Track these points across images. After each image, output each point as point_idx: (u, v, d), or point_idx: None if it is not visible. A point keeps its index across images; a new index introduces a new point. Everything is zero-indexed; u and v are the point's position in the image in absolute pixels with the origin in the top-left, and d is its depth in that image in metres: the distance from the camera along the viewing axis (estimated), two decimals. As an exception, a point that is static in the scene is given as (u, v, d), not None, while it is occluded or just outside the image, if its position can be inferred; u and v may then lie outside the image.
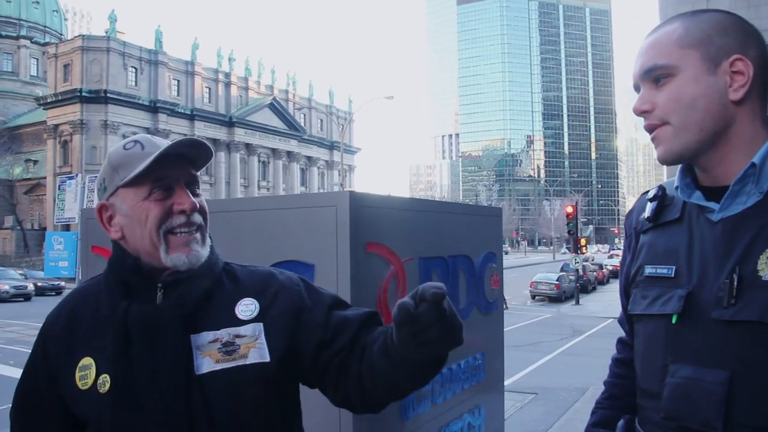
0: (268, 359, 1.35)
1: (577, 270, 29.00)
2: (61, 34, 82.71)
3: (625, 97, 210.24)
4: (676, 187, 1.41)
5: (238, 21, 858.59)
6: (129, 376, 1.30)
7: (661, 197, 1.46)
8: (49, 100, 59.59)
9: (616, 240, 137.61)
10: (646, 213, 1.48)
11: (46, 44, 73.11)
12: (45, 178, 60.02)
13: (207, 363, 1.33)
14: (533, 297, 30.28)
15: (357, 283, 2.13)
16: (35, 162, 65.87)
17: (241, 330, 1.37)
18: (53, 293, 30.43)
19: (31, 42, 79.28)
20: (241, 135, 68.28)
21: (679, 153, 1.35)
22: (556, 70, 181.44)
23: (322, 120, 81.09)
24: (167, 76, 62.84)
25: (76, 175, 16.63)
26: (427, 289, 1.13)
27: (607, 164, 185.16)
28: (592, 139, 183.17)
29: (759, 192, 1.27)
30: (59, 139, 59.15)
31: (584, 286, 32.97)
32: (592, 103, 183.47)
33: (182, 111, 63.08)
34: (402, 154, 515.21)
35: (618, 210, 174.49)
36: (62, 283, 30.05)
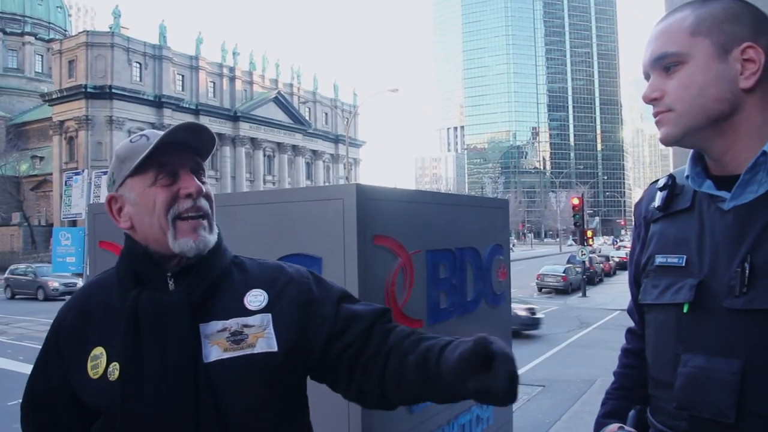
0: (275, 349, 1.36)
1: (584, 262, 28.95)
2: (65, 30, 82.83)
3: (630, 88, 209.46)
4: (687, 176, 1.41)
5: (242, 15, 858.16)
6: (138, 363, 1.32)
7: (671, 186, 1.45)
8: (54, 97, 59.70)
9: (623, 232, 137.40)
10: (656, 202, 1.47)
11: (50, 40, 73.22)
12: (51, 174, 60.18)
13: (215, 351, 1.34)
14: (540, 289, 30.24)
15: (365, 276, 2.13)
16: (41, 158, 66.05)
17: (250, 320, 1.38)
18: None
19: (36, 38, 79.40)
20: (246, 129, 68.29)
21: (681, 136, 1.35)
22: (561, 61, 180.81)
23: (327, 113, 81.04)
24: (172, 71, 62.86)
25: (82, 171, 16.63)
26: (506, 364, 1.16)
27: (613, 155, 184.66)
28: (598, 131, 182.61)
29: None
30: (65, 135, 59.27)
31: (591, 278, 32.92)
32: (597, 94, 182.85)
33: (187, 106, 63.11)
34: (407, 146, 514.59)
35: (624, 201, 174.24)
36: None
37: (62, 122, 59.01)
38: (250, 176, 69.04)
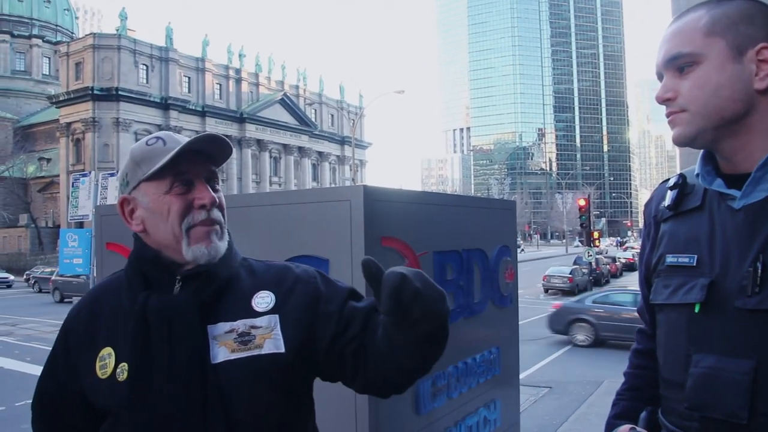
0: (283, 350, 1.37)
1: (590, 263, 28.86)
2: (72, 33, 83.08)
3: (636, 89, 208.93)
4: (697, 175, 1.40)
5: (248, 17, 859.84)
6: (146, 364, 1.33)
7: (682, 185, 1.44)
8: (61, 99, 59.89)
9: (629, 233, 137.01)
10: (667, 201, 1.46)
11: (57, 43, 73.50)
12: (58, 176, 60.36)
13: (223, 352, 1.35)
14: (546, 290, 30.12)
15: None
16: (48, 160, 66.28)
17: (257, 321, 1.39)
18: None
19: (43, 41, 79.72)
20: (252, 131, 68.38)
21: (694, 137, 1.34)
22: (567, 62, 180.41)
23: (332, 115, 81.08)
24: (178, 73, 62.99)
25: (89, 173, 16.66)
26: (387, 276, 1.17)
27: (620, 156, 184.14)
28: (604, 132, 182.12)
29: None
30: (72, 137, 59.46)
31: (597, 279, 32.81)
32: (603, 96, 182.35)
33: (193, 108, 63.22)
34: (413, 148, 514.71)
35: (630, 203, 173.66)
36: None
37: (69, 124, 59.19)
38: (257, 178, 69.11)
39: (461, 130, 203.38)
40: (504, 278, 3.17)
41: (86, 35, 63.75)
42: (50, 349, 1.54)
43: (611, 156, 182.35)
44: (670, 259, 1.40)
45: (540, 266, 37.59)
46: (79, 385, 1.42)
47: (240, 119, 67.33)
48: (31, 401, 1.55)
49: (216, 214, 1.42)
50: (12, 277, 40.41)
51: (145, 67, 60.49)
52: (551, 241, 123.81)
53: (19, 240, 59.72)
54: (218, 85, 67.01)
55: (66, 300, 27.78)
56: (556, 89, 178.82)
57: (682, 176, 1.46)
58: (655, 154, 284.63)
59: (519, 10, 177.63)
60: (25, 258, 51.74)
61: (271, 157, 71.83)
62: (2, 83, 75.59)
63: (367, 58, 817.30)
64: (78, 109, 58.31)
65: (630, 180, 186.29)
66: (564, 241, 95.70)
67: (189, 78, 64.38)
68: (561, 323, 15.41)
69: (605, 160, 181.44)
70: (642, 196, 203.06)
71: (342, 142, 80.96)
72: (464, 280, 2.75)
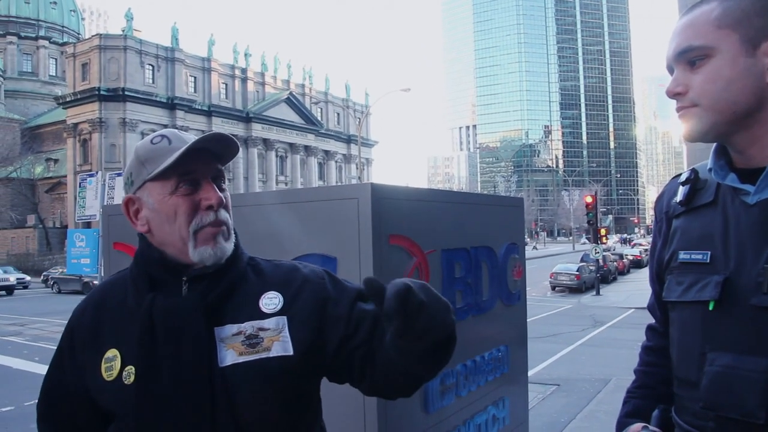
0: (291, 353, 1.36)
1: (598, 260, 28.78)
2: (78, 34, 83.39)
3: (643, 86, 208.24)
4: (710, 170, 1.37)
5: (253, 16, 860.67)
6: (153, 368, 1.32)
7: (694, 180, 1.42)
8: (68, 99, 60.10)
9: (636, 230, 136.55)
10: (678, 197, 1.43)
11: (64, 44, 73.76)
12: (66, 176, 60.58)
13: (230, 355, 1.33)
14: (553, 288, 30.11)
15: (380, 276, 2.09)
16: (56, 161, 66.53)
17: (265, 323, 1.38)
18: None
19: (50, 42, 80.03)
20: (258, 130, 68.48)
21: (706, 132, 1.31)
22: (573, 59, 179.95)
23: (338, 114, 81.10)
24: (184, 72, 63.12)
25: (96, 173, 16.66)
26: (391, 290, 1.13)
27: (626, 153, 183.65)
28: (611, 128, 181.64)
29: None
30: (79, 137, 59.66)
31: (605, 276, 32.73)
32: (610, 92, 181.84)
33: (199, 107, 63.35)
34: (419, 146, 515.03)
35: (637, 199, 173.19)
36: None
37: (76, 125, 59.39)
38: (263, 177, 69.21)
39: (467, 127, 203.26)
40: (512, 276, 3.16)
41: (92, 36, 63.90)
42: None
43: (618, 153, 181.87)
44: (682, 255, 1.38)
45: (547, 264, 37.55)
46: (85, 384, 1.40)
47: (246, 118, 67.42)
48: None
49: (223, 214, 1.40)
50: (28, 278, 39.97)
51: (151, 68, 60.64)
52: (558, 239, 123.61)
53: (27, 240, 59.98)
54: (224, 85, 67.11)
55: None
56: (562, 86, 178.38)
57: (694, 171, 1.44)
58: (662, 151, 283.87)
59: (524, 7, 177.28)
60: (33, 258, 51.97)
61: (277, 156, 71.91)
62: (10, 84, 75.92)
63: (372, 57, 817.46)
64: (85, 110, 58.51)
65: (637, 177, 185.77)
66: (571, 238, 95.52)
67: (195, 78, 64.50)
68: None
69: (612, 156, 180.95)
70: (649, 192, 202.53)
71: (348, 140, 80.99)
72: (472, 277, 2.74)
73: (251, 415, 1.32)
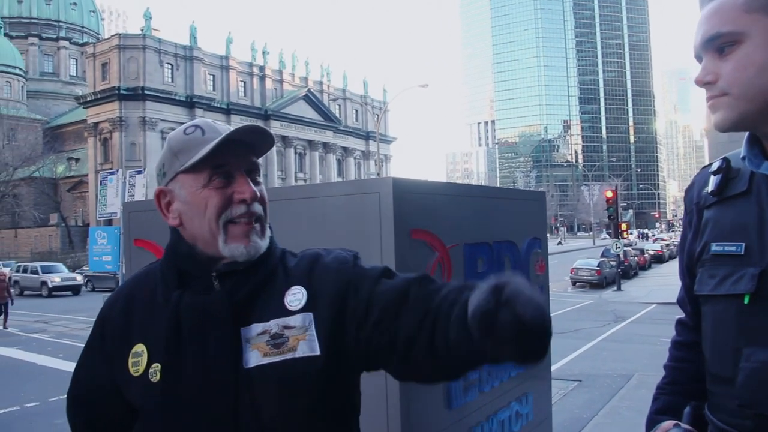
0: (318, 352, 1.29)
1: (618, 255, 28.55)
2: (98, 34, 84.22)
3: (663, 79, 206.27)
4: (743, 158, 1.32)
5: (271, 14, 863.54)
6: (179, 366, 1.29)
7: (726, 169, 1.36)
8: (88, 99, 60.75)
9: (657, 224, 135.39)
10: (710, 187, 1.38)
11: (84, 44, 74.55)
12: (87, 175, 61.27)
13: (255, 356, 1.28)
14: (574, 283, 29.91)
15: (402, 271, 2.08)
16: (77, 160, 67.25)
17: (290, 320, 1.31)
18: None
19: (70, 43, 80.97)
20: (276, 127, 68.73)
21: (737, 122, 1.27)
22: (592, 53, 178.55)
23: (357, 110, 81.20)
24: (203, 71, 63.50)
25: (117, 171, 16.83)
26: (513, 295, 1.03)
27: (646, 147, 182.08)
28: (630, 123, 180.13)
29: None
30: (99, 136, 60.27)
31: (626, 271, 32.43)
32: (629, 86, 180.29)
33: (218, 105, 63.72)
34: (438, 142, 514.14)
35: (658, 194, 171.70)
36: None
37: (97, 124, 59.98)
38: (282, 174, 69.49)
39: (486, 123, 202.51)
40: (535, 270, 3.13)
41: (112, 36, 64.52)
42: (82, 346, 1.53)
43: (638, 147, 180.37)
44: (715, 247, 1.33)
45: (567, 259, 37.32)
46: (113, 376, 1.38)
47: (265, 116, 67.71)
48: (65, 396, 1.54)
49: (257, 207, 1.35)
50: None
51: (170, 66, 61.09)
52: (578, 234, 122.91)
53: (49, 239, 60.72)
54: (242, 83, 67.44)
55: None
56: (581, 80, 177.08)
57: (725, 160, 1.38)
58: (683, 145, 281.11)
59: (542, 1, 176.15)
60: (56, 256, 52.47)
61: (296, 153, 72.16)
62: (32, 85, 76.88)
63: (390, 53, 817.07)
64: (105, 109, 59.08)
65: (657, 171, 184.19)
66: (591, 233, 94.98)
67: (213, 76, 64.88)
68: None
69: (632, 151, 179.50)
70: (670, 187, 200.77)
71: (366, 137, 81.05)
72: (495, 272, 2.70)
73: (275, 419, 1.28)
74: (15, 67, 74.51)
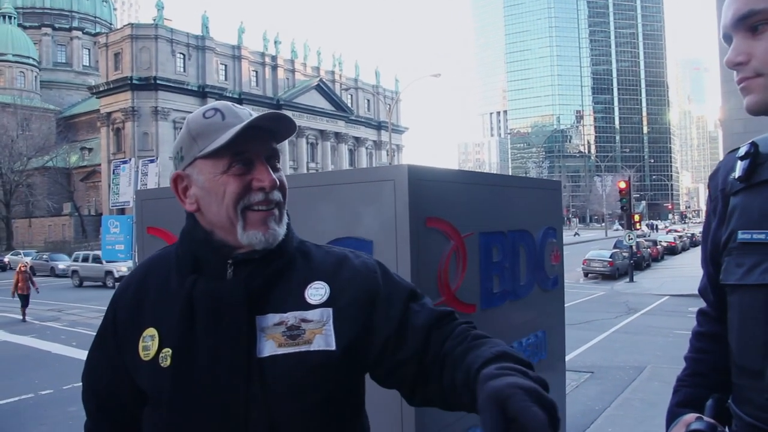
0: (333, 347, 1.28)
1: (631, 247, 28.40)
2: (110, 24, 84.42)
3: (677, 69, 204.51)
4: None
5: (283, 4, 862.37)
6: (190, 352, 1.28)
7: (754, 155, 1.30)
8: (101, 89, 60.98)
9: (670, 216, 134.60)
10: (737, 173, 1.32)
11: (96, 34, 74.77)
12: (99, 164, 61.61)
13: (269, 346, 1.27)
14: (586, 275, 29.78)
15: (417, 260, 2.06)
16: (90, 150, 67.61)
17: (309, 314, 1.30)
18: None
19: (83, 33, 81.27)
20: (288, 118, 68.82)
21: None
22: (606, 43, 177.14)
23: (369, 100, 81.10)
24: (215, 61, 63.56)
25: (130, 160, 16.90)
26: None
27: (660, 138, 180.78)
28: (644, 113, 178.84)
29: None
30: (112, 126, 60.52)
31: (638, 263, 32.25)
32: (643, 76, 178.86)
33: (230, 95, 63.79)
34: (450, 132, 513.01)
35: (671, 185, 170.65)
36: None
37: (109, 114, 60.21)
38: (294, 164, 69.57)
39: (498, 113, 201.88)
40: (550, 260, 3.09)
41: (124, 26, 64.65)
42: (95, 334, 1.52)
43: (651, 138, 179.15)
44: (742, 235, 1.27)
45: (579, 250, 37.15)
46: (124, 361, 1.38)
47: (276, 106, 67.75)
48: (78, 383, 1.54)
49: (276, 195, 1.33)
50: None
51: (182, 56, 61.17)
52: (590, 225, 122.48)
53: (63, 228, 61.16)
54: (254, 72, 67.48)
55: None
56: (594, 70, 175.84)
57: (753, 145, 1.32)
58: (697, 136, 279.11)
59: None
60: (69, 246, 52.87)
61: (308, 143, 72.21)
62: (45, 75, 77.24)
63: (402, 43, 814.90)
64: (117, 99, 59.29)
65: (671, 162, 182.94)
66: (603, 224, 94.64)
67: (225, 66, 64.94)
68: None
69: (645, 141, 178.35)
70: (683, 178, 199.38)
71: (378, 127, 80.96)
72: (510, 262, 2.68)
73: (286, 409, 1.27)
74: (28, 57, 74.85)
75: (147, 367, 1.32)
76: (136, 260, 8.79)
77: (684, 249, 49.30)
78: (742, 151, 1.34)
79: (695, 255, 42.63)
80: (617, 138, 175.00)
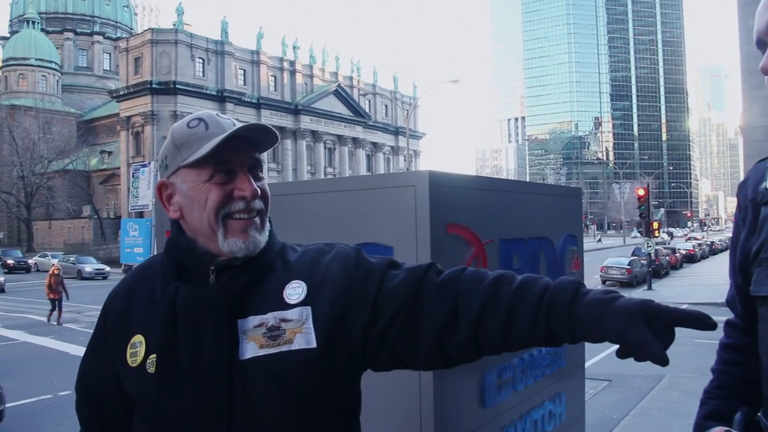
0: (314, 345, 1.29)
1: (650, 254, 28.17)
2: (131, 29, 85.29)
3: (697, 76, 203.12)
4: None
5: (302, 9, 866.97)
6: (174, 357, 1.30)
7: None
8: (121, 93, 61.54)
9: (689, 223, 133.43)
10: None
11: (117, 39, 75.53)
12: (119, 168, 62.12)
13: (251, 348, 1.29)
14: (603, 282, 29.55)
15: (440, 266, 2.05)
16: (110, 153, 68.24)
17: (288, 314, 1.32)
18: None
19: (104, 37, 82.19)
20: (306, 122, 69.01)
21: None
22: (625, 49, 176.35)
23: (386, 106, 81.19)
24: (233, 65, 63.94)
25: (149, 163, 17.07)
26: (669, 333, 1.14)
27: (679, 146, 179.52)
28: (663, 120, 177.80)
29: None
30: (131, 130, 61.04)
31: (657, 270, 31.98)
32: (662, 83, 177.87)
33: (249, 100, 64.15)
34: (467, 138, 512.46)
35: (690, 192, 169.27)
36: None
37: (129, 118, 60.75)
38: (311, 169, 69.77)
39: (516, 119, 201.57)
40: (570, 268, 3.07)
41: (144, 31, 65.26)
42: None
43: (670, 145, 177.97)
44: None
45: (597, 257, 36.93)
46: (114, 368, 1.40)
47: (295, 111, 68.01)
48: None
49: (257, 203, 1.35)
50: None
51: (201, 61, 61.60)
52: (608, 232, 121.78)
53: (82, 230, 61.75)
54: (273, 77, 67.79)
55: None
56: (612, 77, 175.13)
57: None
58: (717, 143, 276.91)
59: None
60: (88, 248, 53.39)
61: (325, 148, 72.41)
62: (66, 79, 78.15)
63: (421, 48, 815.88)
64: (137, 103, 59.81)
65: (690, 169, 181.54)
66: (621, 231, 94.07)
67: (244, 71, 65.30)
68: None
69: (664, 149, 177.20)
70: (702, 185, 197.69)
71: (396, 132, 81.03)
72: (530, 269, 2.65)
73: (268, 410, 1.28)
74: (51, 62, 75.77)
75: (134, 374, 1.35)
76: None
77: (703, 257, 48.87)
78: None
79: (714, 263, 42.24)
80: (636, 145, 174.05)
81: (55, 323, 17.85)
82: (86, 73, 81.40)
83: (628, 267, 29.31)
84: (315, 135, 70.39)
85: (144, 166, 17.16)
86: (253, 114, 63.97)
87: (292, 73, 69.42)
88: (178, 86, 58.88)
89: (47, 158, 60.31)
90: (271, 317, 1.31)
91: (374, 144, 79.44)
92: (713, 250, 52.21)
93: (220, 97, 61.85)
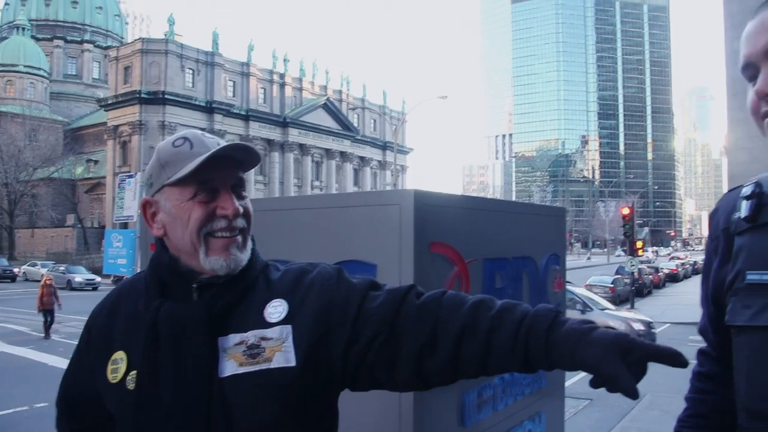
0: (293, 363, 1.30)
1: (633, 273, 28.32)
2: (122, 38, 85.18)
3: (683, 97, 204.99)
4: None
5: (292, 22, 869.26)
6: (154, 374, 1.31)
7: (759, 195, 1.28)
8: (110, 102, 61.33)
9: (672, 243, 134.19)
10: (743, 212, 1.29)
11: (107, 48, 75.41)
12: (105, 177, 61.76)
13: (231, 366, 1.30)
14: (587, 300, 29.67)
15: (420, 284, 2.04)
16: (96, 162, 67.86)
17: (268, 332, 1.33)
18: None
19: (94, 46, 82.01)
20: (295, 135, 69.00)
21: None
22: (612, 68, 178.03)
23: (375, 120, 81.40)
24: (223, 77, 63.92)
25: (135, 174, 16.99)
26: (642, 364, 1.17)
27: (664, 165, 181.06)
28: (649, 140, 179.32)
29: None
30: (119, 139, 60.76)
31: (640, 289, 32.16)
32: (649, 102, 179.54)
33: (237, 111, 64.09)
34: (455, 154, 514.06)
35: (675, 212, 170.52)
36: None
37: (117, 127, 60.49)
38: (298, 182, 69.71)
39: (503, 136, 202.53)
40: (552, 287, 3.08)
41: (135, 40, 65.17)
42: None
43: (656, 164, 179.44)
44: (752, 276, 1.24)
45: (580, 275, 37.04)
46: (95, 384, 1.41)
47: (283, 123, 68.01)
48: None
49: (239, 222, 1.37)
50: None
51: (191, 72, 61.54)
52: (592, 250, 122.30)
53: (65, 240, 61.23)
54: (262, 90, 67.82)
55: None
56: (600, 96, 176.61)
57: (758, 185, 1.30)
58: (701, 163, 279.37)
59: (564, 15, 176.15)
60: (71, 257, 52.93)
61: (313, 161, 72.40)
62: (54, 87, 77.84)
63: (410, 64, 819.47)
64: (125, 113, 59.59)
65: (674, 189, 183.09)
66: (605, 249, 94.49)
67: (234, 82, 65.29)
68: None
69: (649, 168, 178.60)
70: (687, 205, 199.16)
71: (384, 147, 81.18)
72: (512, 288, 2.67)
73: (247, 428, 1.28)
74: (39, 69, 75.47)
75: (114, 390, 1.35)
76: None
77: (686, 276, 49.16)
78: (747, 191, 1.31)
79: (697, 283, 42.00)
80: (622, 164, 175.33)
81: (43, 335, 17.37)
82: (75, 81, 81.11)
83: (612, 285, 29.40)
84: (303, 148, 70.38)
85: (130, 176, 17.08)
86: (242, 126, 63.91)
87: (282, 85, 69.50)
88: (167, 96, 58.76)
89: (32, 166, 59.85)
90: (251, 335, 1.32)
91: (362, 158, 79.54)
92: (696, 270, 52.47)
93: (209, 108, 61.77)
